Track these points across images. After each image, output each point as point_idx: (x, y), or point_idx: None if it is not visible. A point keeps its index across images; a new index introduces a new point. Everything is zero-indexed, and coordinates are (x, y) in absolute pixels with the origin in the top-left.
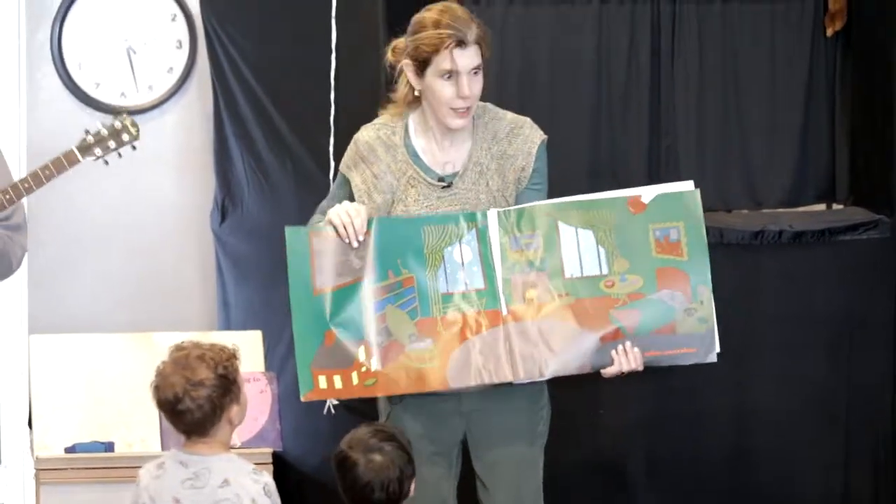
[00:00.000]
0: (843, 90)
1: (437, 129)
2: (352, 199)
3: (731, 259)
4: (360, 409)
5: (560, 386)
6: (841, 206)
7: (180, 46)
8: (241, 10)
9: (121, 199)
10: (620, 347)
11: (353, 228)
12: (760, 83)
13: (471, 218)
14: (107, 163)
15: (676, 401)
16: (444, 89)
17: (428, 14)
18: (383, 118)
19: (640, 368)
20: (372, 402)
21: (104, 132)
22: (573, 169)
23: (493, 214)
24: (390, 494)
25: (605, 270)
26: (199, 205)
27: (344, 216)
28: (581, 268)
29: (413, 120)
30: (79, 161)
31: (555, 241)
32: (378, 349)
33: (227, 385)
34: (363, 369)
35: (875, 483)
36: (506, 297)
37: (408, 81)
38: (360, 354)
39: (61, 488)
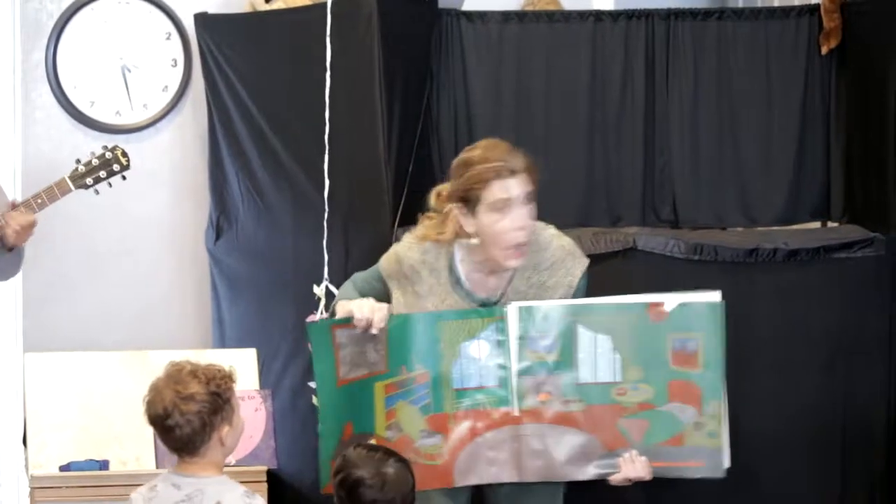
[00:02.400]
0: (838, 108)
1: (483, 261)
2: (386, 297)
3: (725, 276)
4: None
5: None
6: (836, 224)
7: (175, 65)
8: (235, 28)
9: (116, 217)
10: (627, 455)
11: (371, 321)
12: (755, 101)
13: (490, 313)
14: (97, 192)
15: None
16: (499, 223)
17: (473, 153)
18: (427, 240)
19: (648, 478)
20: None
21: (95, 162)
22: (568, 187)
23: (513, 310)
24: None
25: (618, 378)
26: (194, 223)
27: (366, 311)
28: (595, 373)
29: (459, 247)
30: (70, 190)
31: (572, 344)
32: (388, 444)
33: (219, 403)
34: None
35: (871, 500)
36: (518, 397)
37: (455, 225)
38: None
39: None
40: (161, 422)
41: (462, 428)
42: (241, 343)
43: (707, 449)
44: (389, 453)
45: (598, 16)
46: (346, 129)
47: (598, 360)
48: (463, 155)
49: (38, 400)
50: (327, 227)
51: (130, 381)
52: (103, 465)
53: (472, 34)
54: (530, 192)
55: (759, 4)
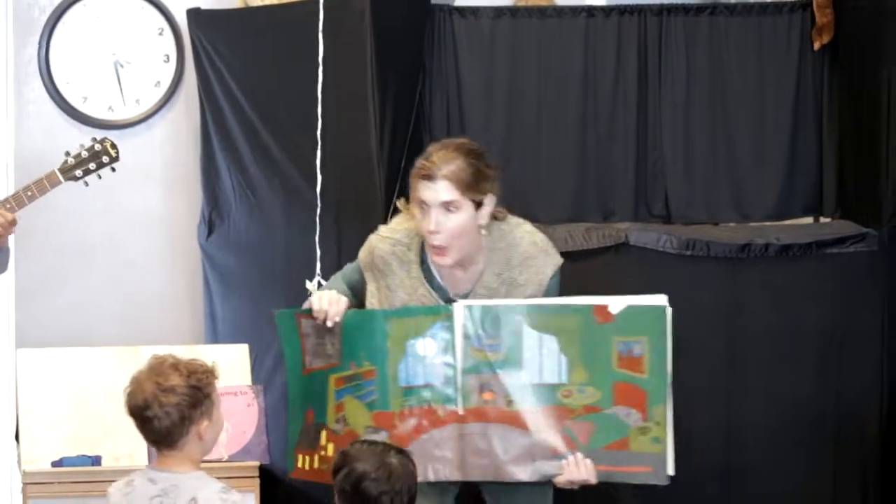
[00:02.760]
0: (831, 103)
1: None
2: (364, 288)
3: (717, 272)
4: None
5: None
6: (828, 220)
7: (167, 60)
8: (228, 24)
9: (108, 212)
10: (572, 458)
11: (327, 314)
12: (748, 96)
13: (437, 311)
14: (87, 184)
15: None
16: (420, 221)
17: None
18: (399, 232)
19: (593, 481)
20: None
21: (84, 154)
22: (560, 182)
23: (459, 308)
24: (411, 499)
25: (563, 379)
26: (187, 218)
27: (325, 303)
28: (541, 374)
29: None
30: (60, 182)
31: (518, 344)
32: (335, 436)
33: (199, 397)
34: (322, 453)
35: (863, 496)
36: (463, 396)
37: None
38: (322, 438)
39: (48, 502)
40: (140, 413)
41: (407, 425)
42: (233, 338)
43: (652, 454)
44: (389, 446)
45: (591, 11)
46: (339, 125)
47: (543, 360)
48: None
49: (30, 396)
50: (319, 223)
51: (123, 376)
52: (96, 460)
53: (464, 30)
54: (449, 202)
55: (752, 0)
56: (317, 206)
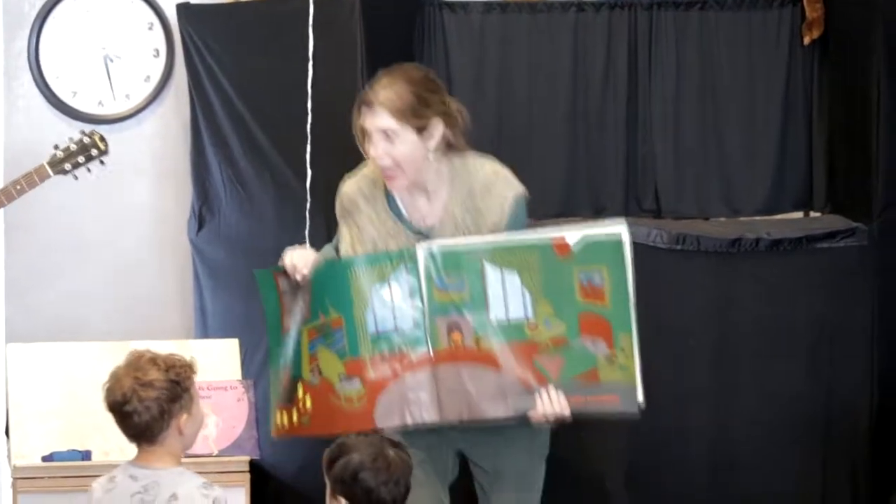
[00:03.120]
0: (821, 98)
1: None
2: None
3: (708, 267)
4: None
5: None
6: (818, 214)
7: (157, 55)
8: (217, 18)
9: (98, 207)
10: (544, 392)
11: (295, 269)
12: (738, 91)
13: (399, 256)
14: (76, 178)
15: (654, 410)
16: (368, 147)
17: None
18: (366, 168)
19: (566, 413)
20: None
21: (73, 147)
22: (550, 177)
23: (420, 251)
24: (405, 494)
25: (529, 314)
26: (177, 213)
27: (295, 258)
28: (506, 311)
29: None
30: (49, 176)
31: (480, 282)
32: (311, 388)
33: (178, 391)
34: (300, 406)
35: (854, 490)
36: (431, 338)
37: None
38: (299, 392)
39: (38, 497)
40: (119, 408)
41: (380, 371)
42: (223, 333)
43: (621, 384)
44: (384, 437)
45: (581, 6)
46: (329, 120)
47: (507, 297)
48: None
49: (20, 390)
50: (309, 217)
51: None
52: (86, 455)
53: (454, 24)
54: (387, 129)
55: None
56: (307, 200)
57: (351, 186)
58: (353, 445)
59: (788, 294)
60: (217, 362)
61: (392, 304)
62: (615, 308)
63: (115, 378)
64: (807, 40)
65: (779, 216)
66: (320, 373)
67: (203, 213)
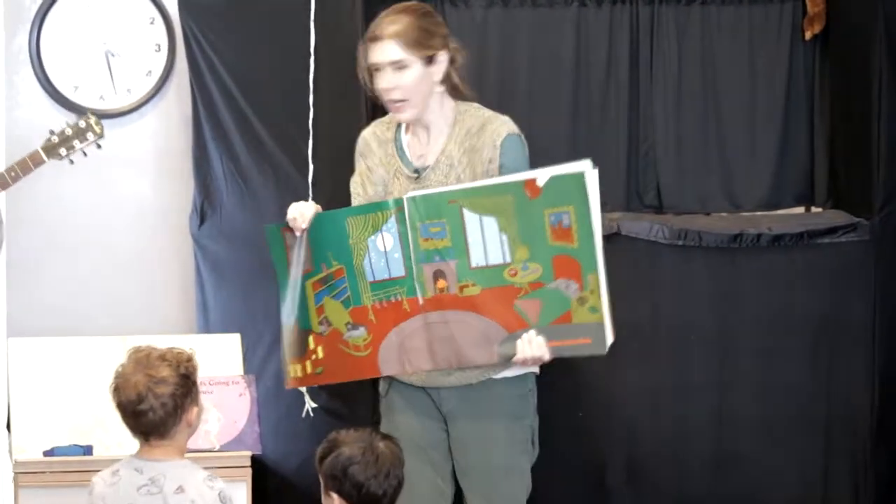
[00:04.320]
0: (822, 93)
1: (418, 125)
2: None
3: (709, 262)
4: (338, 412)
5: (539, 388)
6: (819, 210)
7: (159, 50)
8: (219, 13)
9: (100, 201)
10: (525, 336)
11: (296, 223)
12: (739, 86)
13: (387, 206)
14: (72, 162)
15: (655, 405)
16: (376, 83)
17: None
18: (385, 116)
19: (546, 357)
20: (350, 404)
21: (68, 132)
22: None
23: (408, 201)
24: (396, 488)
25: (508, 259)
26: (178, 208)
27: (294, 211)
28: (486, 256)
29: None
30: (44, 161)
31: (460, 228)
32: (322, 338)
33: (188, 386)
34: (314, 357)
35: (855, 485)
36: (419, 285)
37: None
38: (311, 343)
39: (40, 491)
40: (133, 407)
41: (382, 319)
42: (225, 328)
43: (591, 324)
44: (375, 431)
45: (583, 1)
46: (331, 114)
47: (486, 242)
48: None
49: (21, 385)
50: None
51: (114, 366)
52: (87, 450)
53: (455, 19)
54: (397, 61)
55: None
56: (309, 195)
57: (367, 130)
58: (343, 440)
59: (790, 289)
60: (218, 357)
61: (385, 252)
62: (582, 247)
63: (125, 377)
64: (808, 35)
65: (780, 211)
66: (329, 323)
67: (204, 207)
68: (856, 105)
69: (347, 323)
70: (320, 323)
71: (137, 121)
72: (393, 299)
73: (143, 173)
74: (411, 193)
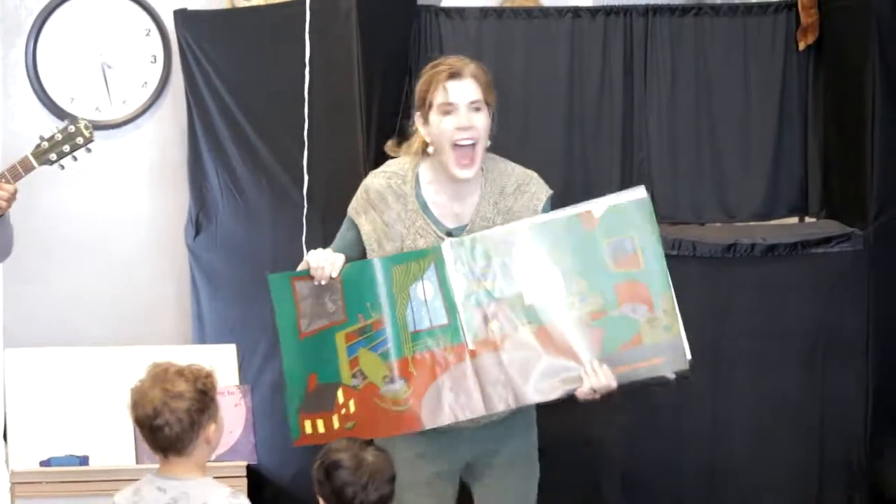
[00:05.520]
0: (816, 103)
1: (446, 181)
2: (359, 242)
3: (703, 272)
4: None
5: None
6: (813, 219)
7: (154, 61)
8: (214, 25)
9: (95, 212)
10: (589, 367)
11: (324, 272)
12: (733, 96)
13: (427, 253)
14: (62, 167)
15: (651, 416)
16: (446, 123)
17: (434, 62)
18: (393, 166)
19: (614, 385)
20: None
21: (58, 137)
22: (546, 181)
23: (447, 246)
24: (377, 501)
25: (563, 293)
26: (174, 219)
27: (321, 260)
28: (540, 293)
29: (423, 170)
30: (34, 167)
31: (511, 267)
32: (355, 392)
33: (206, 402)
34: (343, 412)
35: (850, 494)
36: (468, 330)
37: (419, 135)
38: (340, 397)
39: (36, 502)
40: (150, 422)
41: (423, 370)
42: (220, 339)
43: (666, 343)
44: (369, 444)
45: (577, 12)
46: (326, 126)
47: (539, 279)
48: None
49: (18, 395)
50: (306, 223)
51: (110, 376)
52: (83, 460)
53: (450, 30)
54: (476, 101)
55: (737, 1)
56: (304, 206)
57: (380, 181)
58: (336, 447)
59: (784, 299)
60: (214, 367)
61: (426, 301)
62: (650, 270)
63: (141, 392)
64: (801, 46)
65: (774, 221)
66: (364, 376)
67: (200, 218)
68: (849, 115)
69: (385, 376)
70: (353, 376)
71: (133, 132)
72: (436, 349)
73: (138, 184)
74: (453, 238)
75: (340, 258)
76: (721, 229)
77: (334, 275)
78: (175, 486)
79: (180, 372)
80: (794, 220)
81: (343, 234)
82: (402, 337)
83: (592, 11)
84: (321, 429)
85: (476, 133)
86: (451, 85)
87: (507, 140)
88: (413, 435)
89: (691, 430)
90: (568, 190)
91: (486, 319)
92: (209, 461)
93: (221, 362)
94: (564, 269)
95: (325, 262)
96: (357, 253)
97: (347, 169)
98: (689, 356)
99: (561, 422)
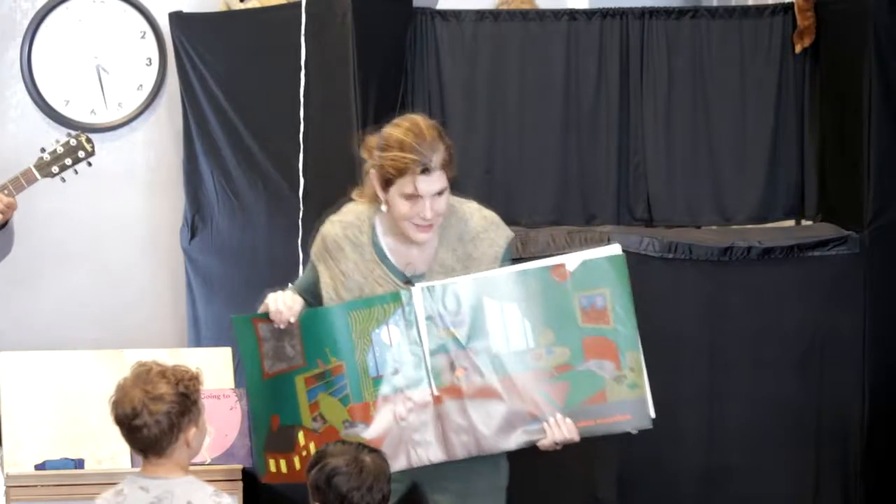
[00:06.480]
0: (812, 106)
1: (404, 235)
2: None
3: (699, 275)
4: None
5: None
6: (810, 223)
7: (150, 64)
8: (210, 27)
9: (91, 215)
10: (552, 420)
11: (282, 316)
12: (729, 99)
13: (396, 298)
14: (63, 180)
15: None
16: (405, 208)
17: (394, 132)
18: (349, 215)
19: (576, 438)
20: None
21: (60, 150)
22: (542, 185)
23: (417, 292)
24: (380, 502)
25: (531, 344)
26: (169, 222)
27: (280, 304)
28: (508, 343)
29: (380, 218)
30: (37, 179)
31: (480, 316)
32: (315, 435)
33: (187, 405)
34: (304, 454)
35: (846, 498)
36: (434, 377)
37: (371, 184)
38: (301, 439)
39: None
40: (128, 422)
41: (384, 414)
42: (215, 342)
43: (630, 401)
44: (363, 445)
45: (573, 15)
46: (321, 128)
47: (508, 329)
48: (389, 128)
49: (12, 399)
50: (302, 226)
51: (106, 379)
52: (78, 463)
53: (446, 33)
54: (443, 189)
55: (734, 3)
56: (299, 209)
57: (337, 230)
58: (331, 452)
59: (780, 302)
60: (209, 371)
61: (391, 346)
62: (619, 327)
63: (123, 391)
64: (798, 48)
65: (770, 224)
66: (324, 420)
67: (195, 221)
68: (846, 118)
69: (345, 420)
70: (314, 419)
71: (128, 135)
72: (399, 393)
73: (134, 187)
74: (425, 283)
75: (299, 303)
76: (717, 232)
77: (292, 320)
78: (158, 485)
79: (163, 373)
80: (791, 223)
81: (308, 273)
82: (363, 382)
83: (588, 14)
84: (284, 469)
85: (436, 219)
86: (421, 180)
87: (502, 143)
88: None
89: (688, 432)
90: (564, 193)
91: (452, 366)
92: (205, 464)
93: (217, 365)
94: (534, 320)
95: (283, 306)
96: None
97: (343, 171)
98: (652, 415)
99: None
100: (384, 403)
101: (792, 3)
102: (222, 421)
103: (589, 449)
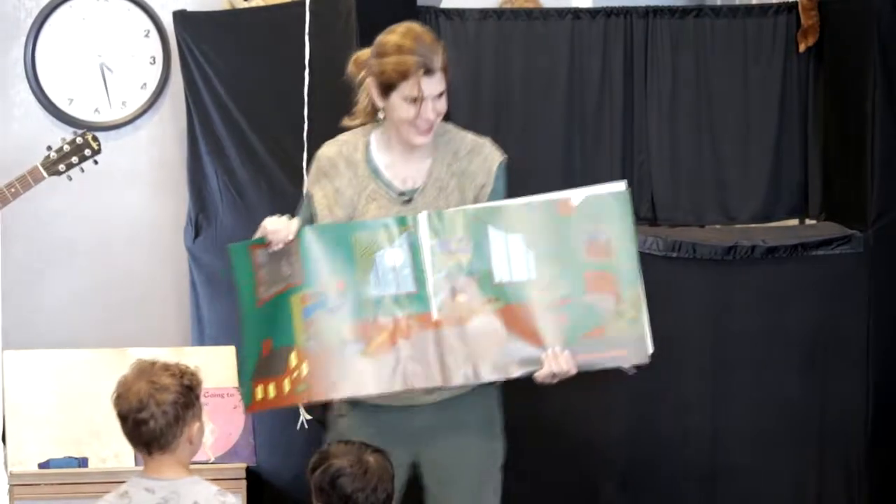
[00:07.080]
0: (816, 105)
1: (399, 145)
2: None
3: (703, 274)
4: None
5: (532, 402)
6: (814, 222)
7: (154, 62)
8: (214, 26)
9: (95, 214)
10: (550, 351)
11: (279, 234)
12: (733, 98)
13: (402, 222)
14: (70, 178)
15: (650, 418)
16: (409, 112)
17: (391, 37)
18: (346, 135)
19: (573, 371)
20: None
21: (67, 148)
22: (545, 184)
23: (423, 217)
24: (385, 501)
25: (533, 275)
26: (173, 221)
27: (277, 224)
28: (510, 273)
29: (375, 136)
30: (44, 178)
31: (484, 245)
32: (308, 354)
33: (192, 398)
34: (294, 375)
35: (850, 498)
36: (436, 301)
37: (368, 95)
38: (292, 360)
39: None
40: (134, 415)
41: (381, 336)
42: (219, 340)
43: (629, 335)
44: (366, 445)
45: (577, 13)
46: (325, 127)
47: (511, 259)
48: (383, 35)
49: (16, 397)
50: None
51: (109, 378)
52: (82, 462)
53: (450, 31)
54: (443, 91)
55: (738, 2)
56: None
57: (331, 149)
58: (334, 453)
59: (784, 301)
60: (214, 369)
61: (395, 268)
62: (620, 262)
63: (127, 386)
64: (802, 48)
65: (774, 223)
66: (319, 338)
67: (200, 220)
68: (849, 117)
69: (343, 338)
70: (308, 338)
71: (132, 134)
72: (399, 314)
73: (138, 186)
74: (431, 211)
75: (296, 222)
76: (721, 231)
77: (290, 237)
78: (164, 486)
79: (166, 367)
80: (795, 222)
81: (304, 209)
82: (364, 300)
83: (592, 13)
84: (272, 393)
85: (437, 120)
86: (425, 81)
87: (506, 142)
88: (361, 426)
89: (691, 432)
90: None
91: (454, 292)
92: (208, 463)
93: (220, 364)
94: (538, 252)
95: (281, 225)
96: None
97: None
98: (650, 350)
99: (560, 423)
100: (384, 323)
101: (796, 3)
102: (226, 419)
103: (593, 448)
